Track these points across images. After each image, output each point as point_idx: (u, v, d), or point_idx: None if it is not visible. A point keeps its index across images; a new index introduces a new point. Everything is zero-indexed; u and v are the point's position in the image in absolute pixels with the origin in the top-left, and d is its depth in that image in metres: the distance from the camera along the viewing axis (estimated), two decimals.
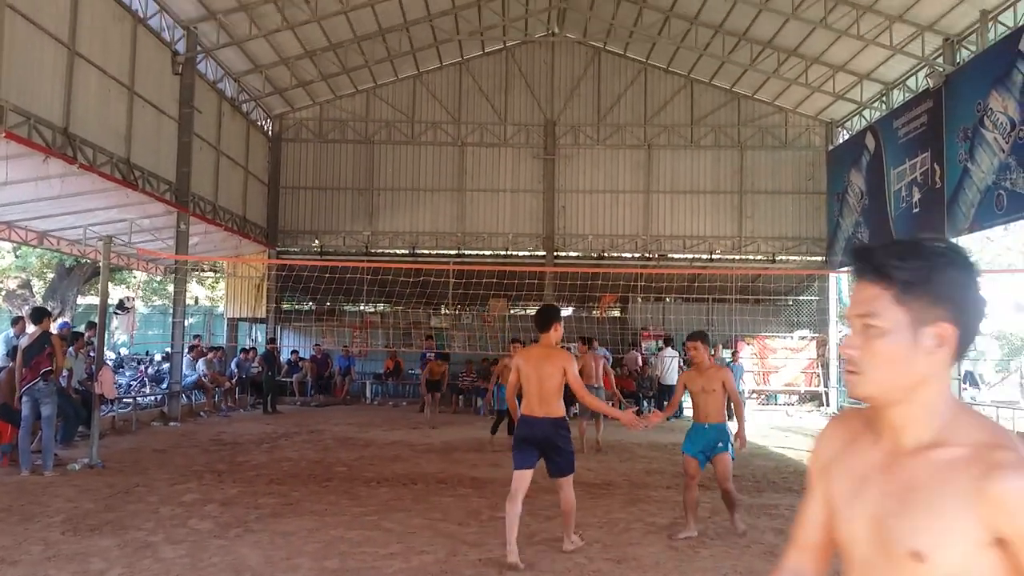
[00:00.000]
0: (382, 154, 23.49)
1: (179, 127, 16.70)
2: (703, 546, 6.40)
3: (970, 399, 18.33)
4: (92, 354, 11.72)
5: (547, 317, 6.36)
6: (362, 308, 24.68)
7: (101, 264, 10.62)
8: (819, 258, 23.08)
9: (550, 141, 23.22)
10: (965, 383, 18.08)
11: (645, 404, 19.43)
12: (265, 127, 22.92)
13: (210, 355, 18.60)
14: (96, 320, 11.22)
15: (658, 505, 8.07)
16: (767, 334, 23.02)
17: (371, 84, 23.14)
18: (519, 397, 6.39)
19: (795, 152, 23.32)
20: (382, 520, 7.13)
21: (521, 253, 23.58)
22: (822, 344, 22.66)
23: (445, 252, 23.47)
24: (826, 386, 22.39)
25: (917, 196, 17.59)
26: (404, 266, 20.87)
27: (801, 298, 24.05)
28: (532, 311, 24.85)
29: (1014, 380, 23.95)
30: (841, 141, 22.49)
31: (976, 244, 31.35)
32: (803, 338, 22.94)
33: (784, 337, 23.03)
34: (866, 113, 20.96)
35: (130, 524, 6.76)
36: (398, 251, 23.58)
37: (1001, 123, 14.41)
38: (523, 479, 5.99)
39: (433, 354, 19.73)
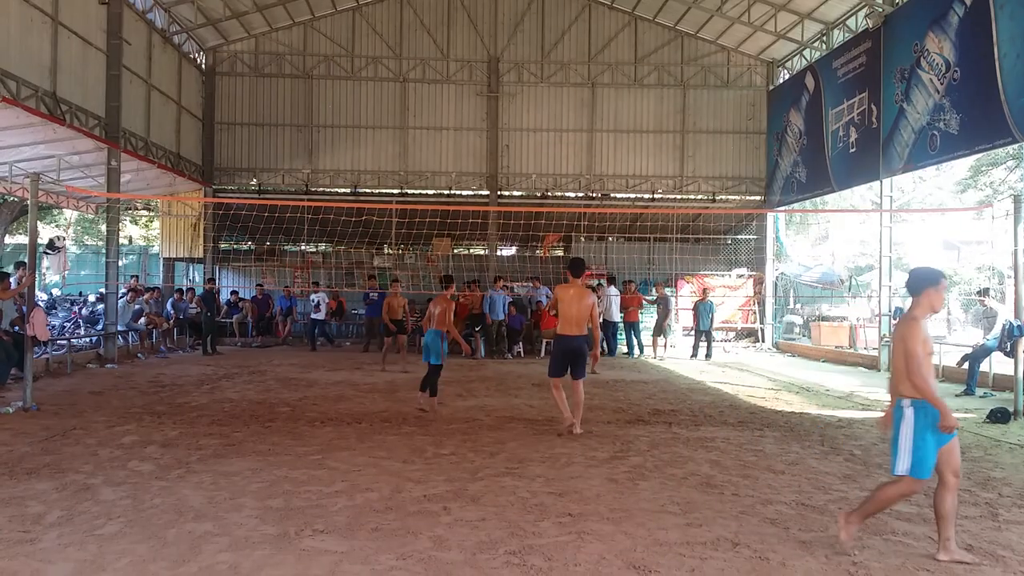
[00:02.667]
0: (321, 90, 22.95)
1: (107, 60, 16.06)
2: (642, 478, 6.57)
3: None
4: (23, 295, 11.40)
5: (581, 266, 8.87)
6: (303, 248, 24.36)
7: (29, 202, 10.23)
8: (758, 197, 23.42)
9: (493, 78, 22.93)
10: (895, 319, 18.65)
11: None
12: (198, 60, 22.15)
13: (147, 296, 18.22)
14: (26, 260, 10.87)
15: (599, 440, 8.24)
16: (706, 272, 23.40)
17: (308, 16, 22.49)
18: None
19: (737, 92, 23.44)
20: (326, 459, 7.14)
21: (464, 192, 23.43)
22: (759, 282, 23.14)
23: (387, 191, 23.19)
24: (762, 323, 22.93)
25: (854, 136, 17.89)
26: (346, 205, 20.57)
27: (740, 237, 24.44)
28: (476, 251, 24.88)
29: (941, 316, 24.82)
30: (782, 81, 22.66)
31: (908, 184, 32.19)
32: (740, 276, 23.38)
33: (722, 275, 23.44)
34: (807, 53, 21.11)
35: (68, 467, 6.67)
36: (339, 190, 23.21)
37: (937, 64, 14.66)
38: (560, 381, 8.64)
39: (376, 294, 19.62)
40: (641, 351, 19.12)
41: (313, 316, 20.15)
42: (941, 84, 14.59)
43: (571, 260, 8.93)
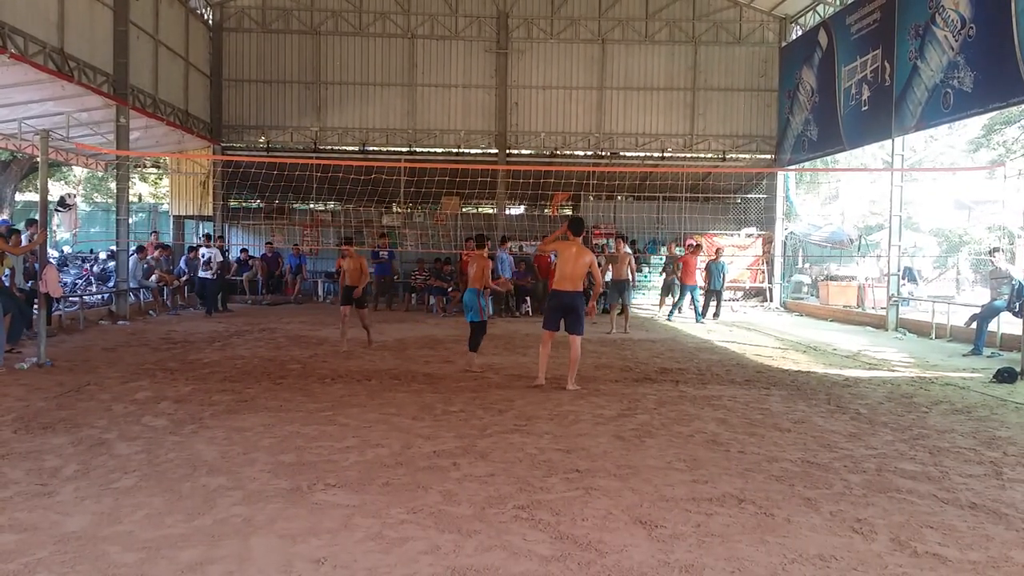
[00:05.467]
0: (329, 46, 22.76)
1: (114, 15, 15.95)
2: (649, 436, 6.64)
3: (908, 294, 18.94)
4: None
5: (581, 225, 8.98)
6: (312, 206, 24.36)
7: (39, 159, 10.25)
8: (768, 156, 23.24)
9: (503, 34, 22.68)
10: (904, 279, 18.63)
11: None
12: (205, 16, 21.98)
13: (156, 253, 18.28)
14: (36, 217, 10.92)
15: (606, 398, 8.31)
16: (715, 231, 23.33)
17: None
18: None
19: (748, 48, 23.15)
20: (337, 415, 7.23)
21: (473, 151, 23.31)
22: (768, 242, 23.07)
23: (396, 149, 23.10)
24: (770, 282, 22.91)
25: (867, 94, 17.69)
26: (354, 163, 20.51)
27: (749, 196, 24.32)
28: (485, 209, 24.85)
29: (951, 276, 24.75)
30: (794, 37, 22.35)
31: (920, 143, 31.85)
32: (750, 235, 23.30)
33: (731, 235, 23.37)
34: (820, 9, 20.80)
35: (83, 422, 6.77)
36: (348, 148, 23.12)
37: (952, 20, 14.43)
38: (550, 336, 8.87)
39: (386, 252, 19.60)
40: (698, 315, 17.70)
41: (201, 274, 17.66)
42: (956, 41, 14.37)
43: (572, 219, 9.06)
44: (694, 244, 19.08)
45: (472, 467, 5.61)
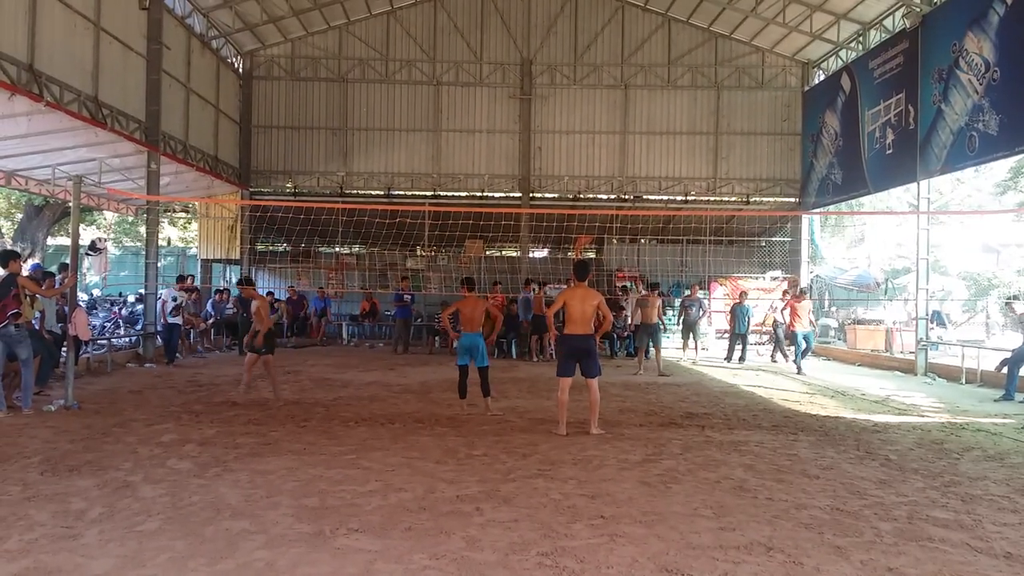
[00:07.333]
0: (356, 93, 23.15)
1: (147, 64, 16.33)
2: (675, 482, 6.56)
3: (937, 338, 18.68)
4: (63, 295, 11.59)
5: (587, 268, 9.06)
6: (337, 249, 24.58)
7: (71, 204, 10.45)
8: (793, 199, 23.20)
9: (526, 81, 22.97)
10: (932, 323, 18.40)
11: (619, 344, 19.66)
12: (236, 64, 22.46)
13: (189, 296, 18.22)
14: (68, 261, 11.09)
15: (631, 442, 8.23)
16: (739, 275, 23.22)
17: (343, 20, 22.71)
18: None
19: (771, 93, 23.26)
20: (360, 459, 7.21)
21: (497, 194, 23.49)
22: (793, 285, 22.90)
23: (421, 193, 23.32)
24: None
25: (891, 137, 17.68)
26: (379, 207, 20.72)
27: (774, 239, 24.23)
28: (508, 252, 24.94)
29: (980, 320, 24.41)
30: (817, 82, 22.44)
31: (946, 186, 31.67)
32: (775, 279, 23.17)
33: (756, 278, 23.24)
34: (843, 54, 20.89)
35: (109, 464, 6.80)
36: (373, 192, 23.38)
37: (976, 64, 14.44)
38: (567, 383, 8.69)
39: (409, 296, 19.64)
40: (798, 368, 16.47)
41: (169, 319, 15.56)
42: (980, 84, 14.37)
43: (576, 264, 9.17)
44: (797, 291, 18.42)
45: (495, 512, 5.56)
